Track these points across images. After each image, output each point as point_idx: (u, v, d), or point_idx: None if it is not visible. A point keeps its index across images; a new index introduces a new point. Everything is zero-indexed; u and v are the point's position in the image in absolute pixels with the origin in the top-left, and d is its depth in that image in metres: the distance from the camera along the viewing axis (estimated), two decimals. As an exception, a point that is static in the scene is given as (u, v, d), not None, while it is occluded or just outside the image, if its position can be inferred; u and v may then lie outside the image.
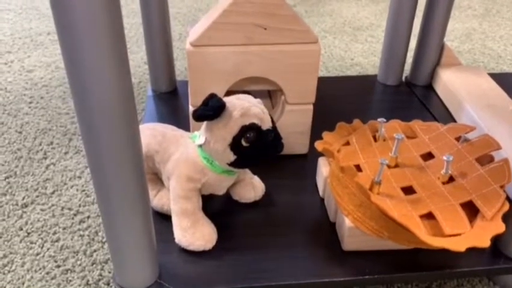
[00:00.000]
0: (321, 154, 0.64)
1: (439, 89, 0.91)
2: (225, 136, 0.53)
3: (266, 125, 0.54)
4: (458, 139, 0.64)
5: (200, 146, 0.55)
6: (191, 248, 0.55)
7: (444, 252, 0.48)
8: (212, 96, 0.53)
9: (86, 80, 0.37)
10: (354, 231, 0.54)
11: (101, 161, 0.41)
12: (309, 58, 0.64)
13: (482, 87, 0.85)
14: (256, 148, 0.53)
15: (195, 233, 0.55)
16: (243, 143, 0.53)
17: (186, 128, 0.69)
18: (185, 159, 0.56)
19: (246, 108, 0.53)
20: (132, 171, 0.43)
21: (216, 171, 0.56)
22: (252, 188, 0.63)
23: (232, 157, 0.54)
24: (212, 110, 0.52)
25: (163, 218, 0.59)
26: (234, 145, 0.53)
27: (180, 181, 0.55)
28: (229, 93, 0.66)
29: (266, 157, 0.55)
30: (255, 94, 0.75)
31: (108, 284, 0.61)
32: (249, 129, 0.53)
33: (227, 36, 0.61)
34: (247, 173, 0.63)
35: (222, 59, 0.62)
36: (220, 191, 0.59)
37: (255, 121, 0.53)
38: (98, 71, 0.36)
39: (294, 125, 0.69)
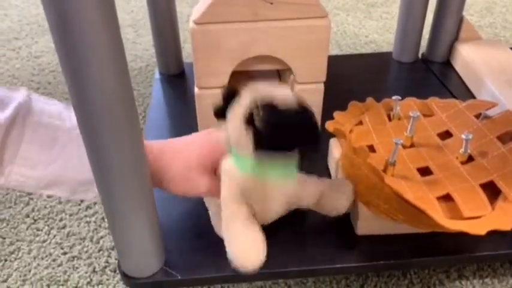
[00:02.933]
0: (332, 135, 0.61)
1: (458, 65, 0.87)
2: (237, 116, 0.47)
3: (284, 98, 0.46)
4: (478, 116, 0.60)
5: (231, 151, 0.50)
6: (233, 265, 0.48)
7: (463, 235, 0.45)
8: (226, 88, 0.49)
9: (83, 74, 0.35)
10: (367, 215, 0.52)
11: (100, 146, 0.40)
12: (319, 34, 0.60)
13: (503, 62, 0.81)
14: (273, 115, 0.44)
15: (229, 249, 0.48)
16: (256, 118, 0.45)
17: (192, 111, 0.67)
18: (222, 165, 0.50)
19: (257, 86, 0.48)
20: (133, 156, 0.42)
21: (248, 170, 0.48)
22: (338, 193, 0.53)
23: (250, 135, 0.46)
24: (224, 100, 0.48)
25: (168, 204, 0.57)
26: (248, 119, 0.46)
27: (221, 191, 0.50)
28: (235, 73, 0.64)
29: (291, 130, 0.45)
30: (264, 74, 0.73)
31: (114, 271, 0.60)
32: (261, 103, 0.45)
33: (232, 12, 0.58)
34: (322, 183, 0.53)
35: (227, 37, 0.60)
36: (271, 205, 0.50)
37: (268, 93, 0.46)
38: (91, 58, 0.34)
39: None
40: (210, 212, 0.56)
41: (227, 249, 0.48)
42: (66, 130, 0.47)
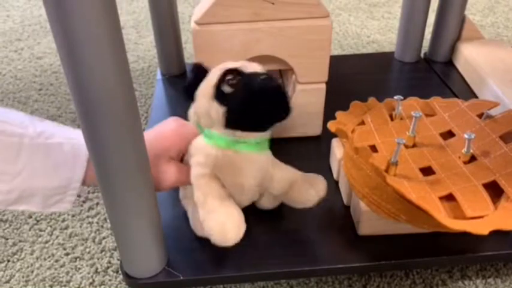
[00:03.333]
0: (334, 135, 0.61)
1: (460, 64, 0.86)
2: (206, 91, 0.46)
3: (253, 69, 0.46)
4: (480, 116, 0.60)
5: (200, 128, 0.49)
6: (212, 241, 0.46)
7: (466, 235, 0.45)
8: (194, 64, 0.49)
9: (84, 72, 0.35)
10: (369, 215, 0.52)
11: (102, 146, 0.40)
12: (320, 34, 0.60)
13: (506, 61, 0.81)
14: (244, 91, 0.44)
15: (206, 226, 0.46)
16: (225, 88, 0.45)
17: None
18: (191, 146, 0.50)
19: (225, 62, 0.48)
20: (135, 156, 0.42)
21: (220, 145, 0.47)
22: (309, 186, 0.51)
23: (221, 110, 0.45)
24: (192, 74, 0.48)
25: (171, 205, 0.57)
26: (217, 94, 0.45)
27: (192, 169, 0.49)
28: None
29: (263, 102, 0.44)
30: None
31: (117, 272, 0.60)
32: (228, 72, 0.45)
33: (233, 12, 0.58)
34: (295, 172, 0.52)
35: (228, 37, 0.60)
36: (244, 180, 0.48)
37: (236, 66, 0.46)
38: (92, 56, 0.34)
39: (306, 105, 0.66)
40: (189, 213, 0.55)
41: (204, 226, 0.46)
42: (30, 138, 0.44)
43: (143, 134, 0.42)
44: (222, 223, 0.46)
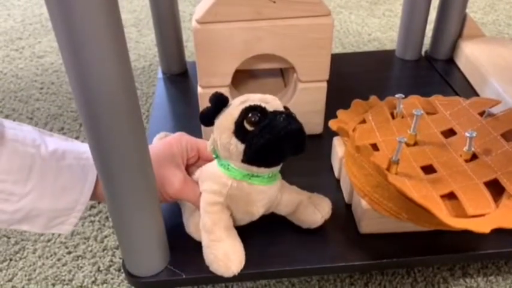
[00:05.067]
0: (336, 134, 0.61)
1: (461, 62, 0.86)
2: (227, 125, 0.46)
3: (274, 107, 0.47)
4: (482, 114, 0.60)
5: (216, 156, 0.50)
6: (211, 269, 0.49)
7: (467, 234, 0.45)
8: (214, 94, 0.48)
9: (86, 71, 0.35)
10: (370, 213, 0.52)
11: (104, 145, 0.40)
12: (321, 32, 0.60)
13: (507, 59, 0.80)
14: (265, 133, 0.45)
15: (209, 253, 0.49)
16: (247, 126, 0.45)
17: (195, 110, 0.67)
18: (205, 171, 0.51)
19: (246, 95, 0.48)
20: (137, 155, 0.42)
21: (236, 177, 0.48)
22: (314, 208, 0.53)
23: (240, 147, 0.46)
24: (212, 104, 0.48)
25: (173, 203, 0.57)
26: (238, 131, 0.46)
27: (203, 195, 0.50)
28: (238, 72, 0.64)
29: (283, 143, 0.45)
30: (267, 73, 0.73)
31: (119, 270, 0.60)
32: (251, 110, 0.46)
33: (235, 11, 0.58)
34: (301, 194, 0.54)
35: (230, 36, 0.60)
36: (254, 209, 0.50)
37: (258, 103, 0.46)
38: (95, 54, 0.35)
39: (307, 104, 0.66)
40: (183, 209, 0.55)
41: (207, 253, 0.49)
42: (42, 159, 0.44)
43: (145, 133, 0.42)
44: (227, 254, 0.48)
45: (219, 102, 0.48)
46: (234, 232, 0.50)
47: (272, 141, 0.44)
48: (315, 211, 0.53)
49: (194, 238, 0.53)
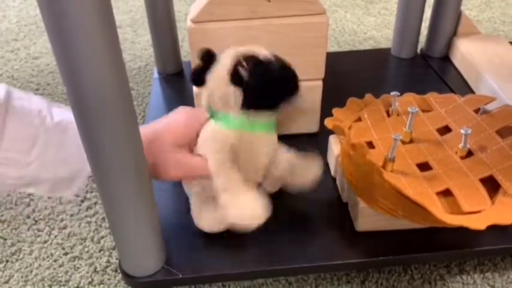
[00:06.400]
0: (331, 132, 0.61)
1: (457, 60, 0.86)
2: (223, 77, 0.48)
3: (264, 54, 0.49)
4: (477, 111, 0.60)
5: (212, 115, 0.51)
6: (239, 225, 0.48)
7: (463, 230, 0.45)
8: (202, 49, 0.50)
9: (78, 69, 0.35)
10: (367, 211, 0.52)
11: (98, 145, 0.40)
12: (316, 31, 0.60)
13: (502, 56, 0.81)
14: (261, 76, 0.47)
15: (235, 209, 0.48)
16: (242, 72, 0.47)
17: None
18: (201, 138, 0.51)
19: (234, 48, 0.49)
20: (132, 155, 0.42)
21: (235, 127, 0.49)
22: (310, 163, 0.54)
23: (238, 93, 0.47)
24: (202, 59, 0.49)
25: (169, 203, 0.57)
26: (234, 78, 0.47)
27: (208, 159, 0.49)
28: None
29: (278, 83, 0.48)
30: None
31: (116, 271, 0.60)
32: (244, 58, 0.48)
33: (229, 10, 0.58)
34: (294, 155, 0.54)
35: (224, 35, 0.59)
36: (259, 159, 0.51)
37: (249, 52, 0.49)
38: (88, 55, 0.34)
39: (303, 103, 0.66)
40: (191, 201, 0.55)
41: (231, 209, 0.48)
42: (46, 129, 0.46)
43: (140, 132, 0.42)
44: (254, 201, 0.48)
45: (209, 57, 0.49)
46: (251, 186, 0.51)
47: (267, 83, 0.48)
48: (311, 165, 0.54)
49: (204, 230, 0.53)
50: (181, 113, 0.53)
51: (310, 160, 0.55)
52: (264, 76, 0.48)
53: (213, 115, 0.51)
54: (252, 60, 0.48)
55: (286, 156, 0.54)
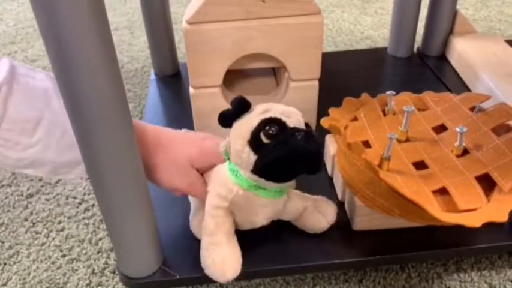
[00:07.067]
0: (328, 131, 0.61)
1: (453, 58, 0.87)
2: (244, 133, 0.45)
3: (295, 123, 0.46)
4: (472, 109, 0.60)
5: (228, 159, 0.49)
6: (206, 272, 0.48)
7: (460, 228, 0.45)
8: (237, 97, 0.48)
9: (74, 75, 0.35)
10: (363, 210, 0.52)
11: (94, 147, 0.40)
12: (312, 31, 0.60)
13: (499, 55, 0.81)
14: (280, 149, 0.43)
15: (207, 257, 0.48)
16: (263, 138, 0.44)
17: (188, 111, 0.67)
18: (216, 173, 0.50)
19: (270, 104, 0.47)
20: (128, 157, 0.42)
21: (242, 185, 0.47)
22: (319, 214, 0.52)
23: (252, 157, 0.45)
24: (233, 107, 0.47)
25: (166, 203, 0.57)
26: (253, 141, 0.45)
27: (209, 196, 0.49)
28: (231, 72, 0.64)
29: (297, 162, 0.44)
30: (258, 72, 0.73)
31: (114, 272, 0.60)
32: (270, 123, 0.44)
33: (225, 11, 0.59)
34: (306, 200, 0.53)
35: (220, 36, 0.60)
36: (256, 219, 0.50)
37: (279, 116, 0.45)
38: (82, 56, 0.35)
39: (299, 102, 0.65)
40: (192, 205, 0.55)
41: (205, 255, 0.48)
42: (51, 112, 0.44)
43: (135, 134, 0.42)
44: (224, 260, 0.48)
45: (240, 107, 0.47)
46: (235, 239, 0.50)
47: (284, 159, 0.44)
48: (319, 217, 0.53)
49: (196, 236, 0.53)
50: (201, 140, 0.52)
51: (324, 207, 0.53)
52: (282, 152, 0.43)
53: (228, 160, 0.49)
54: (278, 129, 0.44)
55: (296, 205, 0.52)
